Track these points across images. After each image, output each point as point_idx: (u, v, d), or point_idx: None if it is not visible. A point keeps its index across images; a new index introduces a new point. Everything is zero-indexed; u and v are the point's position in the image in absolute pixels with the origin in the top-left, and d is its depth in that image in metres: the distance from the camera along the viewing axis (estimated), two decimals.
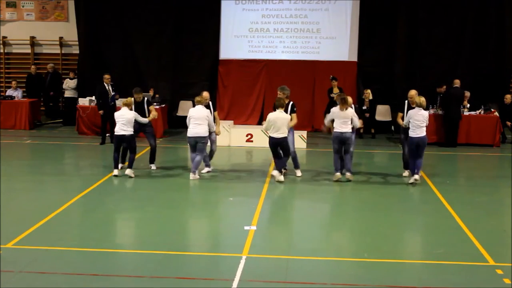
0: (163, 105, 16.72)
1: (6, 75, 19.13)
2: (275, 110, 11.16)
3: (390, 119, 16.84)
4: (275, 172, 11.18)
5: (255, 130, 15.18)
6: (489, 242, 8.04)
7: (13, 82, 18.00)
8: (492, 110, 15.84)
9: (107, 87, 15.08)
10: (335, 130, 11.18)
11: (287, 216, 9.79)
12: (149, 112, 12.15)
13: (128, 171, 11.39)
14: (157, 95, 16.95)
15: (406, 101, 11.53)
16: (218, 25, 17.79)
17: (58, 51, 19.03)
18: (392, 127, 16.70)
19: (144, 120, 11.77)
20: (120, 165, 11.71)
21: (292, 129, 11.42)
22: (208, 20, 17.71)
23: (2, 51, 19.07)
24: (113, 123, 14.01)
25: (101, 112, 15.01)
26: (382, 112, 17.26)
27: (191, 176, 11.37)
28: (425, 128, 10.96)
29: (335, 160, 11.32)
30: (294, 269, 7.12)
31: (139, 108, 11.88)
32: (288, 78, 16.10)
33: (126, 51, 17.80)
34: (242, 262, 7.21)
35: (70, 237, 8.24)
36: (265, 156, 13.29)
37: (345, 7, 17.40)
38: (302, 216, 9.72)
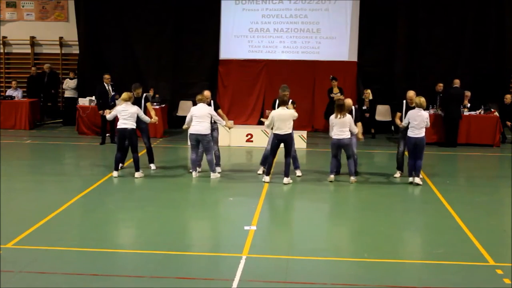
0: (163, 105, 16.73)
1: (6, 75, 19.12)
2: (274, 108, 11.17)
3: (390, 119, 16.83)
4: (286, 180, 11.14)
5: (255, 130, 15.19)
6: (489, 242, 8.04)
7: (13, 82, 18.01)
8: (492, 110, 15.85)
9: (107, 87, 15.08)
10: (332, 136, 11.18)
11: (287, 216, 9.79)
12: (146, 109, 12.16)
13: (137, 174, 11.40)
14: (157, 95, 16.95)
15: (404, 101, 11.54)
16: (218, 25, 17.79)
17: (58, 51, 19.03)
18: (392, 127, 16.69)
19: (146, 118, 11.76)
20: (120, 165, 11.72)
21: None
22: (208, 20, 17.71)
23: (2, 51, 19.06)
24: (113, 123, 14.05)
25: (101, 112, 15.01)
26: (382, 112, 17.26)
27: (193, 174, 11.48)
28: (424, 129, 10.94)
29: (331, 162, 11.35)
30: (294, 269, 7.12)
31: (137, 104, 11.85)
32: (288, 78, 16.09)
33: (126, 51, 17.81)
34: (242, 262, 7.21)
35: (70, 237, 8.24)
36: None
37: (345, 7, 17.40)
38: (302, 216, 9.71)
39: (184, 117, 12.15)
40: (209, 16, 17.70)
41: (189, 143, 11.82)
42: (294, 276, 6.91)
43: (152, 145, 12.45)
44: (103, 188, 10.80)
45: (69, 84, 17.84)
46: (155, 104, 16.20)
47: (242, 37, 17.81)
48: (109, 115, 11.74)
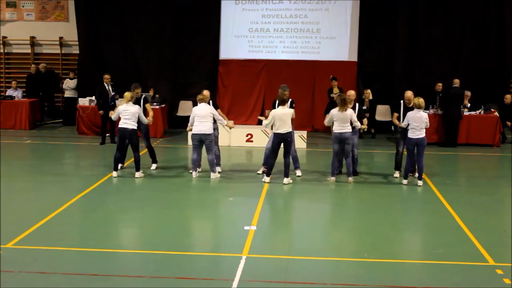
0: (163, 105, 16.73)
1: (6, 75, 19.13)
2: (274, 107, 11.18)
3: (390, 119, 16.78)
4: (286, 180, 11.16)
5: (255, 130, 15.19)
6: (489, 242, 8.04)
7: (13, 82, 18.01)
8: (492, 110, 15.85)
9: (107, 87, 15.08)
10: (334, 131, 11.18)
11: (287, 216, 9.79)
12: (146, 109, 12.17)
13: (137, 174, 11.41)
14: (157, 95, 16.95)
15: (402, 101, 11.55)
16: (218, 25, 17.79)
17: (58, 51, 19.03)
18: (392, 127, 16.66)
19: (144, 119, 11.76)
20: (119, 165, 11.72)
21: (292, 128, 11.46)
22: (208, 20, 17.71)
23: (2, 51, 19.06)
24: (113, 123, 14.05)
25: (101, 112, 15.02)
26: (382, 112, 17.27)
27: (194, 174, 11.50)
28: (424, 130, 10.93)
29: (333, 163, 11.33)
30: (294, 269, 7.12)
31: (136, 104, 11.84)
32: (288, 78, 16.08)
33: (126, 51, 17.80)
34: (242, 262, 7.21)
35: (70, 237, 8.24)
36: None
37: (345, 7, 17.40)
38: (302, 216, 9.71)
39: (184, 117, 12.16)
40: (209, 16, 17.69)
41: (189, 142, 11.82)
42: (294, 276, 6.91)
43: (152, 145, 12.44)
44: (103, 188, 10.80)
45: (69, 84, 17.84)
46: (155, 104, 16.21)
47: (242, 37, 17.81)
48: (113, 116, 11.70)
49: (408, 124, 10.95)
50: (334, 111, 11.15)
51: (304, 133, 15.22)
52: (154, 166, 12.19)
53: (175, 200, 10.29)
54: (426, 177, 11.58)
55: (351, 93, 11.94)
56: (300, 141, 14.53)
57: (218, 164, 11.85)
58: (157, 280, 6.74)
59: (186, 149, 14.03)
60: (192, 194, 10.97)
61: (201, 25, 17.66)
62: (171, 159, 13.49)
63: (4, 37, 18.97)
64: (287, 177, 11.14)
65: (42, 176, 11.80)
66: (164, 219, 9.07)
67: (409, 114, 10.99)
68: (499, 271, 7.08)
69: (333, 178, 11.32)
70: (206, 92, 11.78)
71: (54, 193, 10.47)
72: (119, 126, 11.40)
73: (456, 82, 15.47)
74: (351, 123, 11.14)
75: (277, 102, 11.40)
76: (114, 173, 11.47)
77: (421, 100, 10.94)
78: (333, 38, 17.53)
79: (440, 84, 15.98)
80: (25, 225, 8.44)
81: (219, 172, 11.69)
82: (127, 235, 8.75)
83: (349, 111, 11.11)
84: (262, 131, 14.65)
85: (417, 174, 11.30)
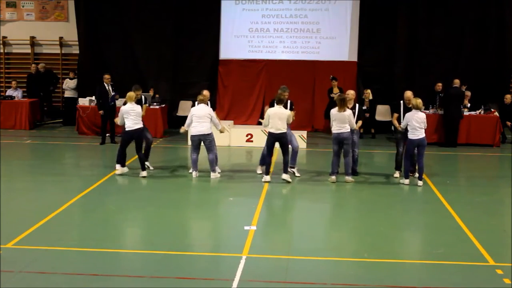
0: (163, 105, 16.73)
1: (6, 75, 19.13)
2: (272, 106, 11.19)
3: (390, 119, 16.77)
4: (285, 176, 11.18)
5: (255, 130, 15.18)
6: (489, 242, 8.04)
7: (13, 82, 18.01)
8: (492, 110, 15.85)
9: (107, 87, 15.08)
10: (333, 131, 11.21)
11: (287, 216, 9.79)
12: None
13: (144, 173, 11.41)
14: (157, 95, 16.96)
15: (402, 102, 11.55)
16: (218, 25, 17.79)
17: (58, 51, 19.03)
18: (392, 127, 16.63)
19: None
20: (118, 166, 11.71)
21: (289, 127, 11.48)
22: (208, 20, 17.71)
23: (2, 51, 19.06)
24: (113, 123, 14.06)
25: (101, 112, 15.02)
26: (382, 112, 17.26)
27: (194, 174, 11.50)
28: (423, 130, 10.95)
29: (333, 162, 11.34)
30: (294, 269, 7.12)
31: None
32: (288, 78, 16.10)
33: (126, 51, 17.81)
34: (242, 262, 7.21)
35: (70, 237, 8.24)
36: None
37: (345, 7, 17.40)
38: (302, 216, 9.71)
39: (184, 117, 12.15)
40: (209, 16, 17.69)
41: (189, 143, 11.81)
42: (294, 276, 6.91)
43: (152, 145, 12.44)
44: (103, 188, 10.80)
45: (69, 84, 17.84)
46: (155, 104, 16.22)
47: (242, 37, 17.81)
48: (118, 120, 11.59)
49: (408, 125, 10.97)
50: (334, 111, 11.18)
51: (304, 133, 15.21)
52: (147, 163, 12.15)
53: (175, 200, 10.29)
54: (426, 177, 11.58)
55: (350, 92, 11.95)
56: (300, 141, 14.50)
57: (216, 164, 11.85)
58: (157, 280, 6.74)
59: (186, 149, 14.03)
60: (192, 194, 10.97)
61: (201, 25, 17.66)
62: (171, 159, 13.49)
63: (4, 37, 18.97)
64: (286, 173, 11.17)
65: (42, 176, 11.79)
66: (164, 219, 9.07)
67: (408, 115, 11.02)
68: (499, 271, 7.08)
69: (333, 177, 11.32)
70: (206, 93, 11.78)
71: (54, 193, 10.47)
72: (130, 128, 11.29)
73: (456, 82, 15.47)
74: None
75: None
76: (123, 169, 11.48)
77: (418, 101, 10.98)
78: (333, 38, 17.53)
79: (440, 84, 15.98)
80: (25, 225, 8.44)
81: (218, 172, 11.68)
82: (127, 235, 8.75)
83: (348, 111, 11.11)
84: (262, 131, 14.63)
85: (417, 174, 11.30)
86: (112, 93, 15.05)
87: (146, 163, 12.00)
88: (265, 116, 11.12)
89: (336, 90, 16.07)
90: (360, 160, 12.46)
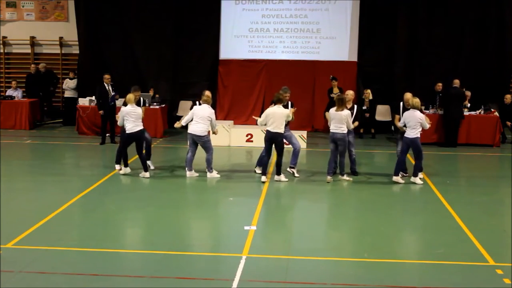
0: (163, 105, 16.73)
1: (6, 75, 19.13)
2: (271, 105, 11.20)
3: (390, 119, 16.83)
4: (281, 177, 11.21)
5: (255, 130, 15.17)
6: (489, 242, 8.04)
7: (13, 82, 18.01)
8: (492, 110, 15.85)
9: (107, 87, 15.08)
10: (330, 130, 11.24)
11: (287, 216, 9.78)
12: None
13: (147, 174, 11.41)
14: (157, 95, 16.96)
15: (401, 103, 11.57)
16: (218, 25, 17.79)
17: (58, 51, 19.03)
18: (392, 127, 16.69)
19: None
20: (118, 166, 11.71)
21: (288, 128, 11.48)
22: (208, 20, 17.71)
23: (2, 51, 19.07)
24: (113, 123, 14.05)
25: (101, 112, 15.02)
26: (382, 112, 17.27)
27: (188, 173, 11.49)
28: (418, 130, 10.93)
29: (329, 162, 11.36)
30: (294, 269, 7.12)
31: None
32: (288, 78, 16.11)
33: (126, 51, 17.81)
34: (242, 262, 7.21)
35: (70, 237, 8.24)
36: None
37: (345, 7, 17.41)
38: (302, 216, 9.71)
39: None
40: (209, 16, 17.70)
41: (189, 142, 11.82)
42: (294, 276, 6.91)
43: (151, 145, 12.45)
44: (103, 188, 10.80)
45: (69, 84, 17.84)
46: (155, 104, 16.22)
47: (242, 37, 17.81)
48: (119, 120, 11.60)
49: (405, 124, 11.02)
50: (332, 111, 11.20)
51: (304, 133, 15.21)
52: (149, 163, 12.13)
53: (175, 200, 10.29)
54: (426, 177, 11.58)
55: (350, 93, 11.99)
56: (300, 141, 14.48)
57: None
58: (157, 280, 6.74)
59: (186, 149, 14.00)
60: (192, 194, 10.98)
61: (201, 25, 17.66)
62: (171, 159, 13.49)
63: (4, 37, 18.98)
64: (279, 174, 11.25)
65: (42, 176, 11.79)
66: (164, 219, 9.07)
67: (405, 114, 11.10)
68: (499, 271, 7.07)
69: (329, 178, 11.33)
70: (208, 93, 11.77)
71: (54, 193, 10.47)
72: (131, 131, 11.28)
73: (456, 82, 15.47)
74: None
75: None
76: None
77: (416, 101, 11.02)
78: (333, 38, 17.53)
79: (440, 84, 15.99)
80: (25, 225, 8.44)
81: (217, 173, 11.67)
82: (127, 235, 8.75)
83: (345, 112, 11.11)
84: (262, 131, 14.63)
85: (405, 175, 11.38)
86: (112, 93, 15.05)
87: (148, 162, 12.00)
88: (263, 115, 11.15)
89: (336, 90, 16.07)
90: (360, 160, 12.46)
